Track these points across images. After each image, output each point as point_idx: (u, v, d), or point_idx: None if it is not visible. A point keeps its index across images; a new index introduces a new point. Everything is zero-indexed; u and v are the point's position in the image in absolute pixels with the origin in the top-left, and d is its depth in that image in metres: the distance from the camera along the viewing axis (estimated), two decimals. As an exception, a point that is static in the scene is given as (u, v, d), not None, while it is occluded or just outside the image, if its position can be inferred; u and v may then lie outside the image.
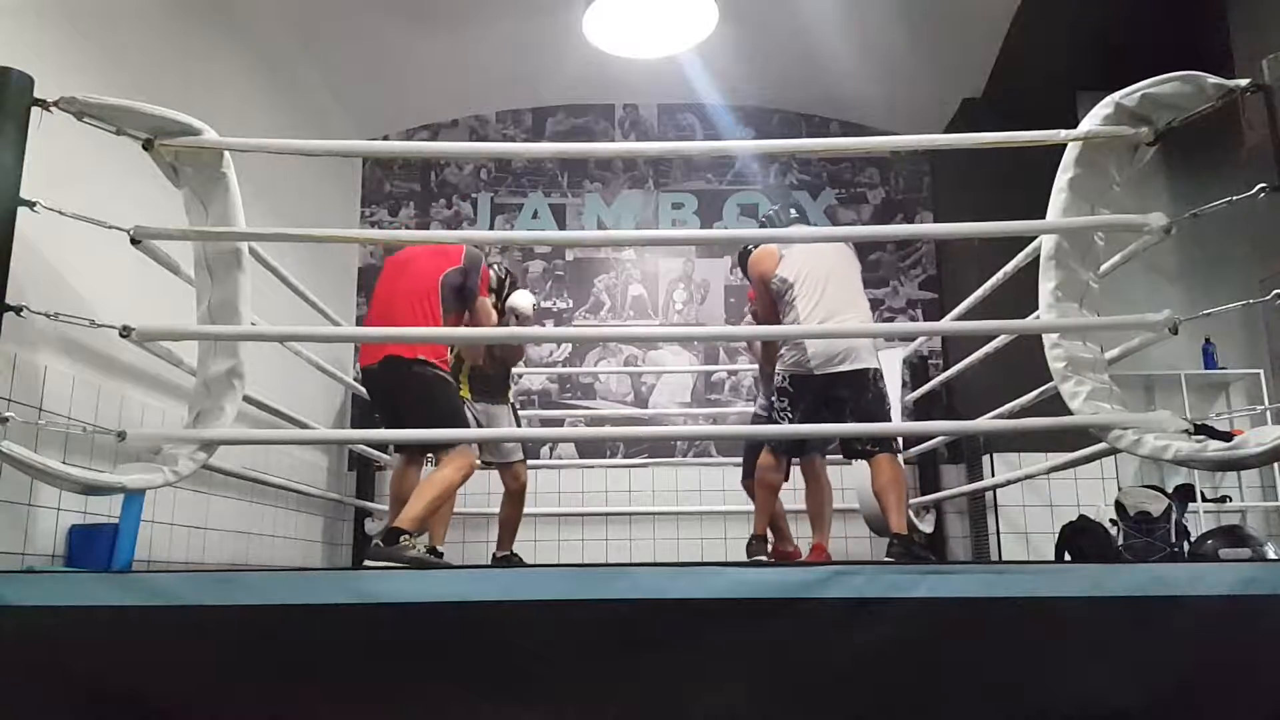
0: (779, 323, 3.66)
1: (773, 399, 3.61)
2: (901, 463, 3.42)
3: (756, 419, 4.29)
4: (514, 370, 4.35)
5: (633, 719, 1.82)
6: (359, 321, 5.81)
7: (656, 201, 6.14)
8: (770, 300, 3.67)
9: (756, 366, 4.47)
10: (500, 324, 3.90)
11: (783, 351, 3.58)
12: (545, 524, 5.40)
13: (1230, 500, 5.23)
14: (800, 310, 3.53)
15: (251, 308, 2.60)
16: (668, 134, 6.19)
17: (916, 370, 5.60)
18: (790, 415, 3.49)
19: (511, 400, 4.24)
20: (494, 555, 4.15)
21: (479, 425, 3.96)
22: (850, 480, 4.75)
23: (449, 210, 6.10)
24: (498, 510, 4.19)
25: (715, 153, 5.88)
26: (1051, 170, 2.52)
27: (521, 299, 4.00)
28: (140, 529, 2.95)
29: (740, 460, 4.37)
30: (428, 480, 3.13)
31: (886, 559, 3.19)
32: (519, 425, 4.39)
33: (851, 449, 3.56)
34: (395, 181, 6.15)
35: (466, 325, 3.45)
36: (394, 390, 3.23)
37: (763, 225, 4.33)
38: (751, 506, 3.89)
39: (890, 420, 3.43)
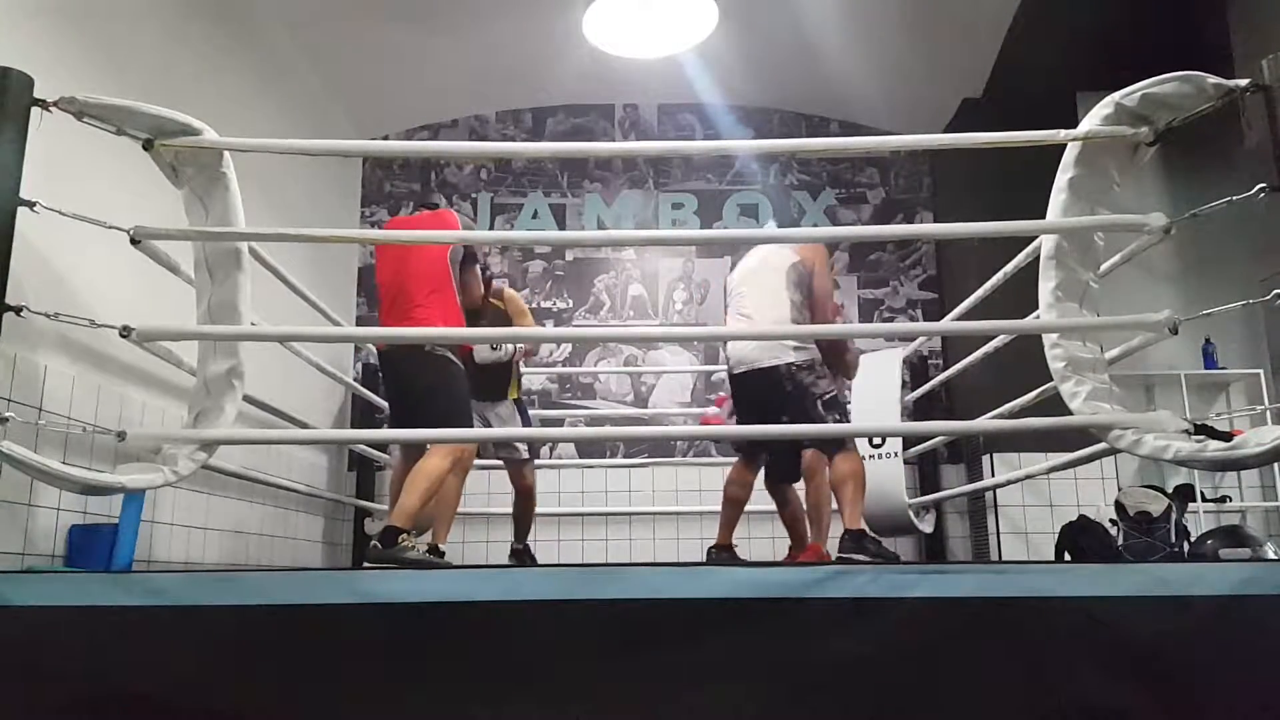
0: None
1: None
2: (858, 458, 3.43)
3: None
4: (520, 367, 4.32)
5: (632, 719, 1.82)
6: (361, 321, 5.82)
7: (656, 201, 6.14)
8: None
9: None
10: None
11: None
12: (545, 524, 5.39)
13: (1230, 500, 5.23)
14: (729, 319, 3.73)
15: (251, 308, 2.60)
16: (668, 134, 6.19)
17: (916, 370, 5.60)
18: (736, 420, 3.72)
19: (519, 397, 4.24)
20: (512, 548, 4.19)
21: (485, 424, 4.00)
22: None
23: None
24: (498, 510, 4.22)
25: (715, 153, 5.88)
26: (1051, 170, 2.52)
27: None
28: (140, 529, 2.95)
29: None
30: (417, 472, 3.09)
31: (839, 555, 3.18)
32: (527, 425, 4.36)
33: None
34: (395, 181, 6.15)
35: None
36: (408, 374, 3.27)
37: None
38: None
39: (819, 412, 3.40)
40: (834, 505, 3.56)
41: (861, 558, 3.11)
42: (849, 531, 3.24)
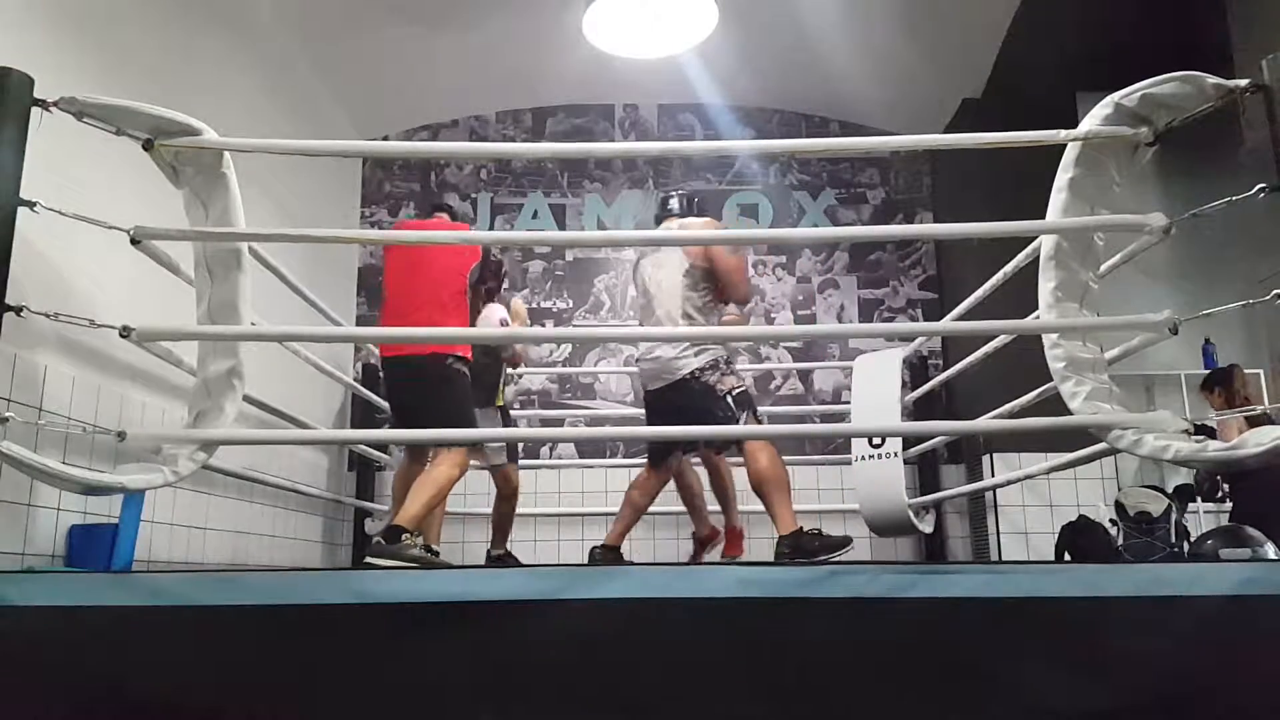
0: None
1: None
2: (767, 455, 3.31)
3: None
4: (512, 372, 4.33)
5: (632, 719, 1.82)
6: (361, 321, 5.82)
7: (656, 202, 6.13)
8: None
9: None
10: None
11: None
12: (545, 524, 5.40)
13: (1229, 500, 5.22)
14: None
15: (251, 308, 2.60)
16: (668, 134, 6.19)
17: (916, 370, 5.60)
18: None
19: (505, 404, 4.24)
20: (488, 554, 4.17)
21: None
22: (851, 480, 4.75)
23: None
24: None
25: (715, 153, 5.88)
26: (1051, 170, 2.51)
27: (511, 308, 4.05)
28: (140, 529, 2.95)
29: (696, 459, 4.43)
30: (424, 479, 3.14)
31: (778, 562, 3.07)
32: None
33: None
34: (395, 181, 6.15)
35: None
36: (417, 383, 3.27)
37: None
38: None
39: (720, 410, 3.41)
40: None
41: (802, 560, 3.03)
42: (784, 536, 3.18)
